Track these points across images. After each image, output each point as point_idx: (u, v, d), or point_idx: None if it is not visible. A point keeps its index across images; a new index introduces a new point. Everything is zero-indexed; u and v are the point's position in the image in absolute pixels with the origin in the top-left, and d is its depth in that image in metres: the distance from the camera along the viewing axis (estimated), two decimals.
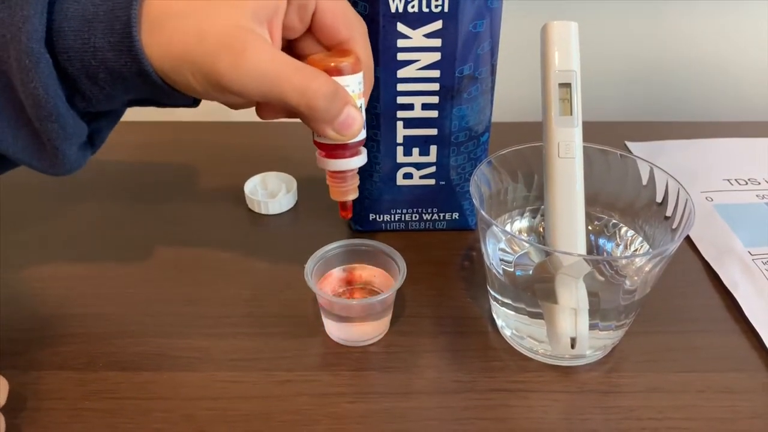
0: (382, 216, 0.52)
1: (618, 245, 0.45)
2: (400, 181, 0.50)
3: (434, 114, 0.46)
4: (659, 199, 0.43)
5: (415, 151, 0.48)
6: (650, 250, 0.43)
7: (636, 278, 0.40)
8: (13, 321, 0.44)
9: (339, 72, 0.35)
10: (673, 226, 0.41)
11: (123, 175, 0.60)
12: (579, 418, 0.38)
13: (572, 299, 0.39)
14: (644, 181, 0.43)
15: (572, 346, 0.39)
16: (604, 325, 0.40)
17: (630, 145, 0.65)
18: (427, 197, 0.51)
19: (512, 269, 0.43)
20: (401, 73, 0.44)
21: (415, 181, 0.50)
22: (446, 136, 0.47)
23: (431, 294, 0.47)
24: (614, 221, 0.45)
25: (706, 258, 0.50)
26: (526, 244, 0.43)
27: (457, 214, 0.52)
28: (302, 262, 0.42)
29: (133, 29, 0.31)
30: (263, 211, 0.55)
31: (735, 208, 0.55)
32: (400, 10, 0.42)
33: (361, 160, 0.39)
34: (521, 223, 0.47)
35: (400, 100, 0.46)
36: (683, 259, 0.50)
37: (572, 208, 0.40)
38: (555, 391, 0.40)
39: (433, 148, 0.48)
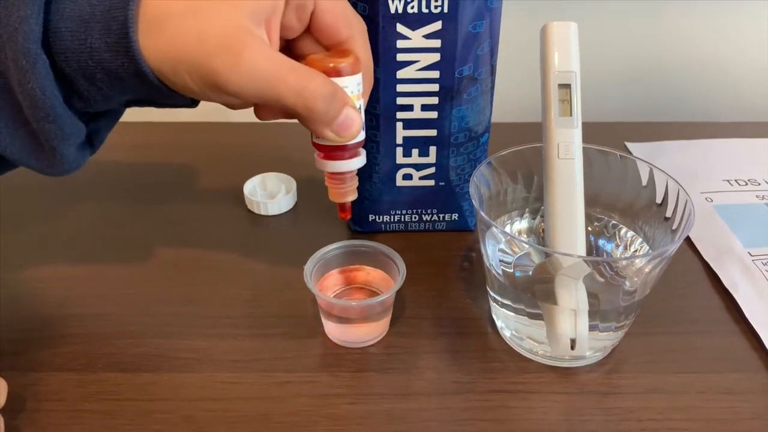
0: (381, 217, 0.52)
1: (618, 246, 0.45)
2: (400, 182, 0.50)
3: (434, 115, 0.46)
4: (659, 199, 0.43)
5: (415, 152, 0.48)
6: (650, 251, 0.43)
7: (636, 279, 0.40)
8: (12, 321, 0.44)
9: (338, 73, 0.35)
10: (673, 227, 0.41)
11: (122, 176, 0.60)
12: (579, 420, 0.38)
13: (572, 300, 0.39)
14: (644, 182, 0.43)
15: (572, 348, 0.39)
16: (603, 326, 0.40)
17: (630, 145, 0.65)
18: (426, 198, 0.51)
19: (512, 270, 0.42)
20: (401, 74, 0.44)
21: (415, 182, 0.50)
22: (446, 136, 0.47)
23: (431, 295, 0.47)
24: (614, 222, 0.45)
25: (706, 259, 0.50)
26: (526, 245, 0.43)
27: (457, 215, 0.52)
28: (302, 263, 0.42)
29: (130, 30, 0.31)
30: (263, 212, 0.55)
31: (735, 208, 0.55)
32: (400, 10, 0.42)
33: (360, 161, 0.38)
34: (521, 224, 0.47)
35: (400, 101, 0.46)
36: (683, 260, 0.50)
37: (572, 209, 0.40)
38: (555, 393, 0.40)
39: (433, 149, 0.48)
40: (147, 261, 0.50)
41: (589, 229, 0.45)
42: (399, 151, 0.48)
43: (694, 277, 0.49)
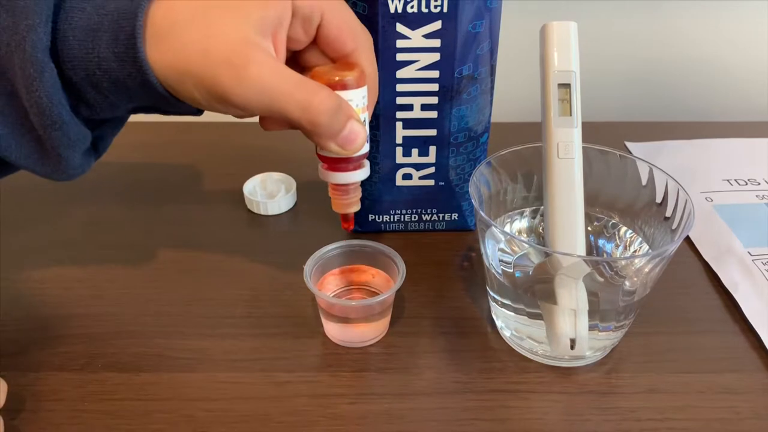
0: (381, 216, 0.52)
1: (617, 246, 0.45)
2: (400, 181, 0.50)
3: (433, 114, 0.46)
4: (659, 199, 0.42)
5: (415, 151, 0.48)
6: (650, 250, 0.43)
7: (636, 279, 0.40)
8: (12, 321, 0.44)
9: (343, 86, 0.35)
10: (673, 227, 0.41)
11: (122, 176, 0.60)
12: (579, 419, 0.38)
13: (572, 300, 0.39)
14: (644, 182, 0.43)
15: (572, 347, 0.39)
16: (603, 325, 0.40)
17: (629, 145, 0.65)
18: (426, 198, 0.51)
19: (512, 270, 0.42)
20: (400, 74, 0.44)
21: (415, 181, 0.50)
22: (445, 136, 0.47)
23: (431, 295, 0.47)
24: (614, 222, 0.45)
25: (706, 258, 0.50)
26: (526, 245, 0.43)
27: (457, 214, 0.52)
28: (301, 263, 0.42)
29: (138, 40, 0.31)
30: (262, 212, 0.55)
31: (735, 208, 0.55)
32: (399, 10, 0.42)
33: (363, 173, 0.38)
34: (520, 224, 0.47)
35: (400, 100, 0.46)
36: (683, 260, 0.50)
37: (572, 208, 0.40)
38: (554, 392, 0.40)
39: (433, 149, 0.48)
40: (147, 261, 0.50)
41: (589, 228, 0.45)
42: (399, 150, 0.48)
43: (694, 277, 0.49)
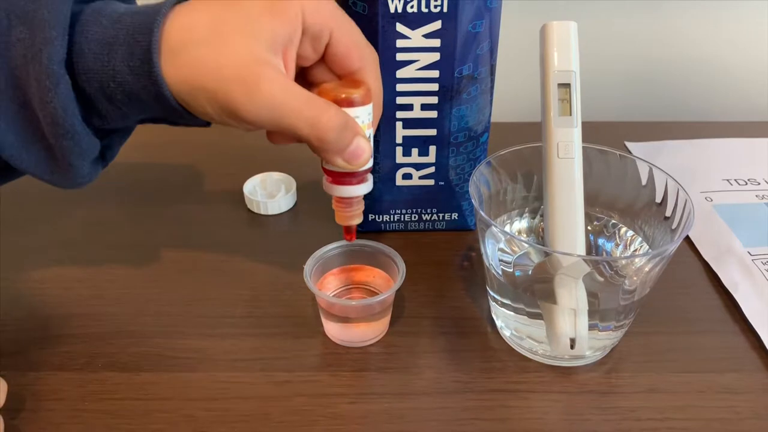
0: (381, 216, 0.52)
1: (617, 245, 0.45)
2: (400, 181, 0.50)
3: (433, 114, 0.46)
4: (659, 199, 0.43)
5: (415, 151, 0.48)
6: (650, 250, 0.43)
7: (635, 278, 0.40)
8: (12, 321, 0.44)
9: (350, 103, 0.36)
10: (673, 227, 0.41)
11: (122, 176, 0.60)
12: (578, 419, 0.38)
13: (572, 300, 0.39)
14: (644, 182, 0.43)
15: (572, 347, 0.39)
16: (603, 325, 0.40)
17: (629, 145, 0.65)
18: (426, 198, 0.51)
19: (511, 270, 0.42)
20: (400, 74, 0.44)
21: (415, 181, 0.50)
22: (445, 136, 0.47)
23: (430, 294, 0.47)
24: (614, 221, 0.45)
25: (706, 258, 0.50)
26: (526, 245, 0.43)
27: (457, 214, 0.52)
28: (301, 263, 0.42)
29: (154, 55, 0.31)
30: (262, 212, 0.55)
31: (735, 208, 0.55)
32: (399, 10, 0.42)
33: (367, 187, 0.39)
34: (520, 224, 0.47)
35: (400, 100, 0.46)
36: (683, 260, 0.50)
37: (571, 208, 0.40)
38: (554, 392, 0.40)
39: (433, 149, 0.48)
40: (147, 261, 0.50)
41: (589, 228, 0.45)
42: (399, 150, 0.48)
43: (694, 277, 0.49)
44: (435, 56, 0.44)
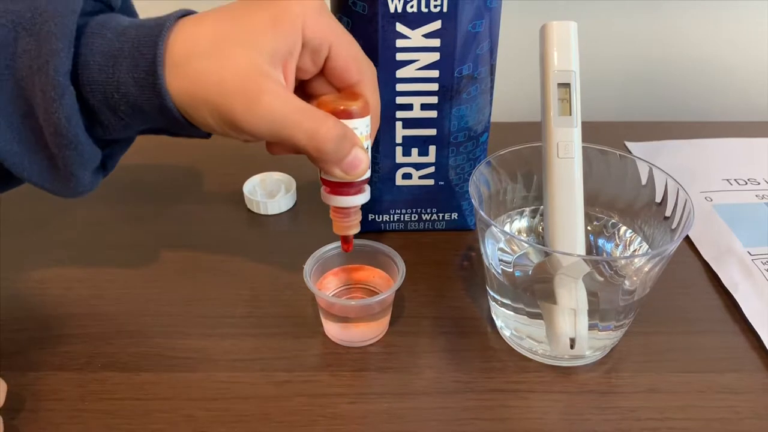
0: (381, 216, 0.52)
1: (617, 245, 0.45)
2: (399, 181, 0.50)
3: (433, 114, 0.46)
4: (658, 199, 0.43)
5: (414, 151, 0.48)
6: (650, 250, 0.43)
7: (635, 278, 0.40)
8: (12, 321, 0.44)
9: (348, 115, 0.36)
10: (673, 226, 0.41)
11: (122, 176, 0.60)
12: (578, 419, 0.38)
13: (571, 299, 0.39)
14: (643, 181, 0.43)
15: (571, 347, 0.39)
16: (603, 325, 0.40)
17: (629, 145, 0.65)
18: (426, 197, 0.51)
19: (511, 269, 0.42)
20: (400, 73, 0.44)
21: (414, 181, 0.50)
22: (445, 136, 0.47)
23: (430, 294, 0.47)
24: (613, 221, 0.45)
25: (706, 258, 0.50)
26: (525, 245, 0.43)
27: (456, 214, 0.52)
28: (301, 263, 0.42)
29: (159, 68, 0.32)
30: (262, 212, 0.55)
31: (734, 208, 0.55)
32: (399, 10, 0.42)
33: (364, 197, 0.39)
34: (520, 224, 0.47)
35: (399, 100, 0.46)
36: (683, 260, 0.50)
37: (571, 208, 0.40)
38: (554, 392, 0.40)
39: (432, 149, 0.48)
40: (146, 261, 0.50)
41: (589, 228, 0.45)
42: (398, 150, 0.48)
43: (694, 277, 0.49)
44: (435, 56, 0.44)
